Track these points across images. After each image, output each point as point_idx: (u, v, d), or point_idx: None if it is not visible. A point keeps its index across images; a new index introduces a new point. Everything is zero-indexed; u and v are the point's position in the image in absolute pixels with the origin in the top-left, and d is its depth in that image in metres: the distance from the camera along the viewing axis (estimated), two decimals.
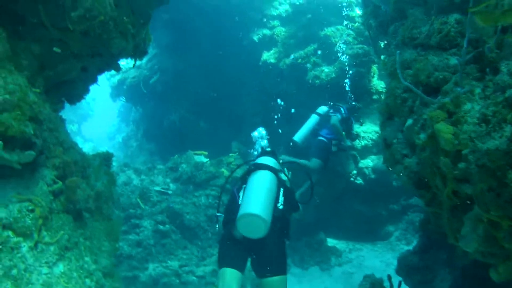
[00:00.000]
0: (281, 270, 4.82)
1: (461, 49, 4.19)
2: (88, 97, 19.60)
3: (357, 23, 10.96)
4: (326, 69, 10.54)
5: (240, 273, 4.84)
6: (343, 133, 9.31)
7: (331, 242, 10.90)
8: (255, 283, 8.12)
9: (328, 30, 10.80)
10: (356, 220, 11.17)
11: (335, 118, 9.29)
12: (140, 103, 15.03)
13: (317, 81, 10.43)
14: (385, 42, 5.79)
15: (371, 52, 10.18)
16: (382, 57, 5.28)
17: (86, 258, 4.09)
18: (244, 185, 5.23)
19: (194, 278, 8.26)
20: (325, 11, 11.02)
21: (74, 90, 4.73)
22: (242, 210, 4.71)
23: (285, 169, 5.89)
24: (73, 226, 4.03)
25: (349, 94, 10.02)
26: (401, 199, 11.20)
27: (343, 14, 11.01)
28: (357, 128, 10.66)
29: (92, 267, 4.09)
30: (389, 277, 5.37)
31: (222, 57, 12.28)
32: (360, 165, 10.93)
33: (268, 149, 6.09)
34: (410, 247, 10.26)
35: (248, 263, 5.07)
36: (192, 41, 12.66)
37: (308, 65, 10.65)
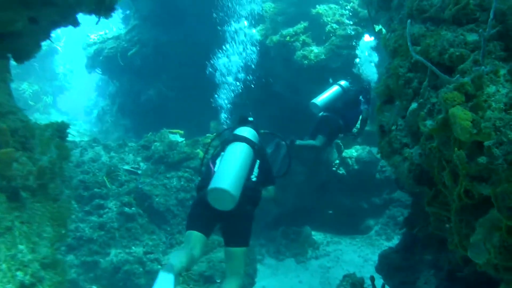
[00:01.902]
0: (243, 242, 4.99)
1: (480, 25, 3.58)
2: (65, 68, 18.96)
3: (351, 3, 10.30)
4: (315, 49, 9.89)
5: (206, 237, 4.97)
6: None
7: (308, 232, 10.50)
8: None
9: (321, 8, 10.12)
10: (336, 212, 10.99)
11: (366, 111, 8.64)
12: (117, 77, 14.30)
13: (305, 62, 9.80)
14: (387, 17, 5.13)
15: (365, 34, 9.61)
16: (383, 32, 4.64)
17: (21, 247, 3.39)
18: (222, 153, 5.30)
19: (160, 267, 7.60)
20: None
21: (22, 46, 3.98)
22: (213, 183, 4.77)
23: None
24: (5, 208, 3.34)
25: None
26: (384, 192, 11.03)
27: None
28: None
29: (27, 257, 3.40)
30: (372, 279, 5.19)
31: (206, 31, 11.51)
32: (344, 154, 10.76)
33: (250, 119, 6.09)
34: (390, 243, 10.48)
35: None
36: (176, 13, 12.03)
37: (297, 43, 9.96)
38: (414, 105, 3.70)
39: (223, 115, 9.32)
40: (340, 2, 10.38)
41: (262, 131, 6.10)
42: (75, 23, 4.12)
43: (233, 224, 5.03)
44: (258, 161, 5.38)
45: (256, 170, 5.30)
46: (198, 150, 9.27)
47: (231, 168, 4.89)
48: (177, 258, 4.57)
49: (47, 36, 4.01)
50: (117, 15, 15.87)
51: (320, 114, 8.67)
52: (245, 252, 5.03)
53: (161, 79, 12.84)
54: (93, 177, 8.47)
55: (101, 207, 8.19)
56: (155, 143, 9.47)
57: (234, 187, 4.70)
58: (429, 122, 3.38)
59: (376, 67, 9.09)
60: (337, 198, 10.95)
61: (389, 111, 4.24)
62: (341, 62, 9.84)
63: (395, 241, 10.20)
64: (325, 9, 10.10)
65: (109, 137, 14.82)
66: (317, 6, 10.13)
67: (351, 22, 10.07)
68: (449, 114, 2.92)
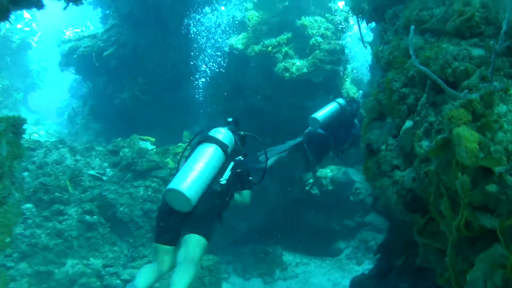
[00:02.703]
0: (202, 231, 4.73)
1: (485, 39, 3.26)
2: (39, 65, 18.33)
3: (337, 16, 10.01)
4: (298, 62, 9.53)
5: (174, 247, 4.80)
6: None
7: (278, 252, 10.31)
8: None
9: (306, 20, 9.76)
10: (307, 232, 10.77)
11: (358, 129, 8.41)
12: (91, 77, 13.74)
13: (287, 74, 9.43)
14: (380, 29, 4.79)
15: (349, 50, 9.33)
16: (379, 49, 4.30)
17: None
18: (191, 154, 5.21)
19: (119, 281, 7.15)
20: None
21: None
22: (170, 184, 4.71)
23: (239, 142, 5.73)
24: None
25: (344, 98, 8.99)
26: (357, 215, 10.83)
27: (327, 5, 10.06)
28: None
29: None
30: None
31: (186, 36, 11.18)
32: (318, 174, 10.49)
33: (230, 119, 5.96)
34: (361, 268, 10.15)
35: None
36: (156, 15, 11.65)
37: (279, 55, 9.59)
38: (408, 123, 3.35)
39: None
40: (326, 15, 10.07)
41: (241, 133, 5.94)
42: (39, 5, 3.66)
43: (194, 215, 4.80)
44: (232, 163, 5.28)
45: (227, 173, 5.18)
46: (168, 160, 8.85)
47: (192, 170, 4.79)
48: (144, 277, 4.47)
49: (5, 16, 3.54)
50: (96, 14, 15.46)
51: (309, 129, 8.42)
52: (202, 242, 4.71)
53: (137, 82, 12.36)
54: (55, 181, 8.03)
55: (61, 213, 7.76)
56: (124, 149, 9.01)
57: (190, 189, 4.61)
58: (425, 143, 3.04)
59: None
60: (309, 218, 10.70)
61: (379, 129, 3.88)
62: (323, 77, 9.51)
63: (365, 265, 10.02)
64: (310, 21, 9.75)
65: (78, 140, 14.22)
66: (302, 17, 9.78)
67: (335, 37, 9.77)
68: (453, 134, 2.59)
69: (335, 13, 10.15)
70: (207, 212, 4.88)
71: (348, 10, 5.58)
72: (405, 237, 4.76)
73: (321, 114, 8.03)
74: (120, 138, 9.53)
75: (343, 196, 10.65)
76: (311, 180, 10.53)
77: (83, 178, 8.32)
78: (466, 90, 2.68)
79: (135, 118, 12.49)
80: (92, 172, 8.55)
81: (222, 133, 5.39)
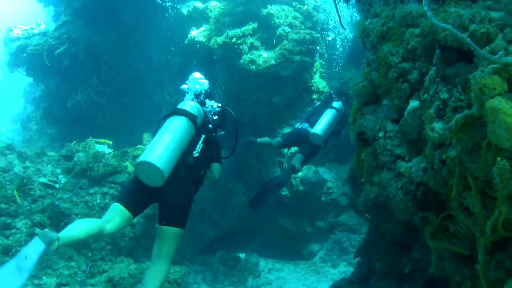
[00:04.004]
0: (178, 222, 4.57)
1: (501, 1, 2.72)
2: None
3: (306, 5, 9.46)
4: (264, 53, 8.94)
5: (130, 214, 4.52)
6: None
7: (253, 260, 10.01)
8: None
9: (272, 8, 9.18)
10: (278, 236, 10.61)
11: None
12: (43, 78, 12.83)
13: (253, 67, 8.88)
14: (365, 4, 4.21)
15: (319, 40, 8.79)
16: (366, 23, 3.71)
17: None
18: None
19: None
20: None
21: None
22: (140, 157, 4.50)
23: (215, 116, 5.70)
24: None
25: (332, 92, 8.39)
26: (329, 216, 10.67)
27: None
28: (287, 129, 9.87)
29: None
30: None
31: (143, 32, 10.53)
32: None
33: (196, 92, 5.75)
34: (336, 271, 9.93)
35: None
36: (112, 9, 10.98)
37: (244, 46, 8.98)
38: (414, 103, 2.78)
39: None
40: (294, 3, 9.52)
41: (208, 105, 5.76)
42: None
43: (169, 203, 4.63)
44: (203, 135, 5.10)
45: (199, 145, 5.02)
46: (127, 163, 8.18)
47: (161, 142, 4.59)
48: (75, 227, 4.05)
49: None
50: (48, 12, 14.55)
51: (299, 126, 8.02)
52: (178, 234, 4.57)
53: (91, 83, 11.68)
54: (1, 190, 7.23)
55: (8, 227, 6.90)
56: (79, 154, 8.30)
57: (161, 161, 4.41)
58: (439, 125, 2.48)
59: None
60: (279, 220, 10.48)
61: (373, 114, 3.30)
62: (292, 69, 8.96)
63: (341, 268, 9.98)
64: (277, 10, 9.21)
65: (32, 147, 13.33)
66: (268, 6, 9.18)
67: (304, 27, 9.22)
68: (485, 108, 2.01)
69: (304, 1, 9.60)
70: (182, 194, 4.71)
71: None
72: (388, 239, 4.44)
73: (321, 127, 7.46)
74: (74, 141, 8.82)
75: (315, 196, 10.40)
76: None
77: (33, 187, 7.55)
78: (502, 52, 2.10)
79: (91, 121, 11.84)
80: (43, 179, 7.80)
81: (190, 105, 5.18)
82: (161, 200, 4.68)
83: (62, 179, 7.91)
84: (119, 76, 11.56)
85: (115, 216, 4.43)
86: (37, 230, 4.02)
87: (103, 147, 8.88)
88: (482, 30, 2.44)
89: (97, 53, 11.48)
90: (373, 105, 3.36)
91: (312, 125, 7.61)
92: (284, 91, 9.53)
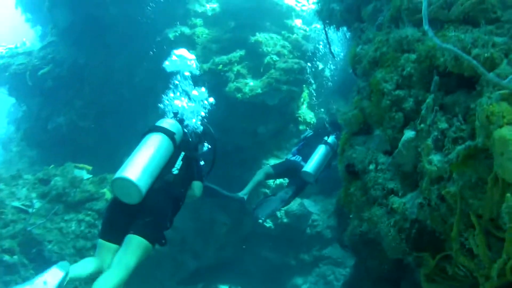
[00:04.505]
0: (147, 234, 4.37)
1: (503, 25, 2.57)
2: None
3: (295, 34, 9.35)
4: (251, 82, 8.76)
5: (117, 245, 4.39)
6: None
7: None
8: None
9: (261, 36, 9.06)
10: (262, 268, 10.25)
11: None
12: (25, 99, 12.60)
13: (239, 95, 8.71)
14: (355, 30, 4.04)
15: (308, 70, 8.63)
16: (357, 49, 3.54)
17: None
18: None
19: None
20: (260, 14, 9.29)
21: None
22: (116, 173, 4.41)
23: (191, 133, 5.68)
24: None
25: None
26: (314, 249, 10.32)
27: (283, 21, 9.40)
28: (272, 164, 9.23)
29: None
30: None
31: (129, 56, 10.46)
32: None
33: (176, 111, 5.76)
34: None
35: None
36: (97, 31, 10.75)
37: (230, 74, 8.81)
38: (409, 133, 2.56)
39: None
40: (283, 32, 9.42)
41: (186, 123, 5.73)
42: None
43: (143, 213, 4.47)
44: (182, 153, 5.03)
45: (179, 163, 4.94)
46: (105, 190, 7.94)
47: (138, 158, 4.52)
48: (82, 266, 4.19)
49: None
50: (36, 32, 14.38)
51: (291, 158, 7.88)
52: (144, 245, 4.33)
53: (74, 105, 11.40)
54: None
55: None
56: (56, 178, 8.06)
57: (138, 177, 4.32)
58: (437, 157, 2.26)
59: None
60: (263, 252, 10.19)
61: (363, 145, 3.08)
62: (279, 98, 8.78)
63: None
64: (265, 38, 9.09)
65: (11, 169, 12.97)
66: (256, 33, 9.06)
67: (292, 56, 9.09)
68: (493, 138, 1.80)
69: (293, 31, 9.50)
70: (158, 210, 4.60)
71: (315, 14, 4.94)
72: (375, 275, 4.28)
73: (313, 164, 7.32)
74: (52, 165, 8.58)
75: (299, 229, 10.13)
76: None
77: (4, 211, 7.33)
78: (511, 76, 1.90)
79: (72, 145, 11.50)
80: (16, 203, 7.57)
81: (168, 123, 5.16)
82: (137, 215, 4.52)
83: (36, 203, 7.66)
84: (104, 99, 11.28)
85: (105, 253, 4.38)
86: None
87: (82, 172, 8.63)
88: (486, 55, 2.25)
89: (81, 74, 11.26)
90: (363, 135, 3.15)
91: (304, 159, 7.48)
92: (270, 120, 9.34)
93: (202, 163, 5.61)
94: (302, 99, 9.74)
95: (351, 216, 3.20)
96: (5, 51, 12.24)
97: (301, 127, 9.83)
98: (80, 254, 7.28)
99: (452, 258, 2.30)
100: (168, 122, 5.17)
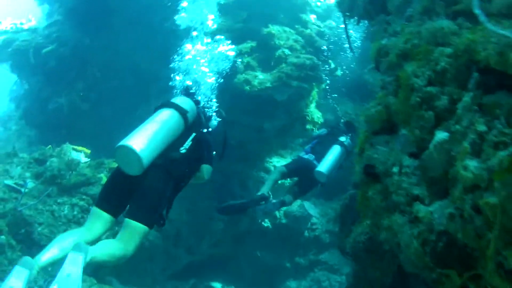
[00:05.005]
0: (144, 218, 4.31)
1: None
2: None
3: (309, 29, 9.10)
4: (260, 75, 8.51)
5: (110, 217, 4.37)
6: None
7: None
8: None
9: (274, 28, 8.80)
10: (255, 268, 10.16)
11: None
12: (27, 77, 12.44)
13: (247, 88, 8.47)
14: (379, 22, 3.78)
15: (320, 67, 8.37)
16: (383, 42, 3.29)
17: None
18: None
19: None
20: (274, 5, 9.03)
21: None
22: (121, 141, 4.26)
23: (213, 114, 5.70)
24: None
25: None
26: (310, 252, 10.25)
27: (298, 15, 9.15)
28: (276, 162, 9.72)
29: None
30: None
31: (134, 40, 10.29)
32: None
33: (192, 91, 5.71)
34: None
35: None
36: (103, 13, 10.57)
37: (240, 65, 8.52)
38: (441, 135, 2.28)
39: None
40: (296, 26, 9.16)
41: (202, 105, 5.70)
42: None
43: (142, 195, 4.41)
44: (194, 133, 4.96)
45: (188, 143, 4.86)
46: (102, 175, 7.69)
47: (145, 130, 4.41)
48: (53, 249, 3.86)
49: None
50: (43, 10, 14.18)
51: (304, 156, 7.72)
52: (142, 231, 4.29)
53: (76, 87, 11.23)
54: None
55: None
56: (52, 159, 7.79)
57: (141, 147, 4.21)
58: (473, 163, 1.99)
59: None
60: (258, 252, 10.12)
61: (386, 145, 2.80)
62: (288, 95, 8.55)
63: None
64: (278, 31, 8.84)
65: (8, 148, 12.81)
66: (269, 25, 8.80)
67: (305, 51, 8.84)
68: None
69: (307, 25, 9.25)
70: (156, 188, 4.47)
71: (335, 5, 4.71)
72: (376, 285, 4.00)
73: (327, 164, 7.22)
74: (50, 145, 8.35)
75: (297, 231, 10.06)
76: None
77: None
78: None
79: (71, 127, 11.31)
80: (9, 182, 7.28)
81: (183, 100, 5.05)
82: (135, 192, 4.45)
83: (30, 183, 7.39)
84: (105, 84, 11.13)
85: (95, 221, 4.30)
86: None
87: (80, 155, 8.37)
88: None
89: (85, 56, 11.10)
90: (386, 134, 2.87)
91: (318, 158, 7.37)
92: (277, 117, 9.13)
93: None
94: (311, 98, 9.50)
95: (368, 222, 2.92)
96: (9, 26, 12.04)
97: (308, 127, 9.62)
98: None
99: (482, 279, 2.04)
100: (182, 99, 5.08)
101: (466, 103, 2.20)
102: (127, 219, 4.29)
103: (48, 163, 7.72)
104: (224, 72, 7.35)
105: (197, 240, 9.56)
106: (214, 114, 5.89)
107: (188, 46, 7.68)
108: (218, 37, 8.40)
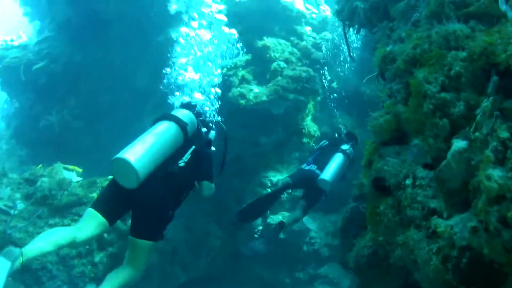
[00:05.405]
0: (148, 235, 4.43)
1: None
2: None
3: (304, 41, 9.01)
4: (256, 88, 8.40)
5: (104, 220, 4.33)
6: None
7: None
8: None
9: (268, 41, 8.71)
10: (253, 285, 9.97)
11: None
12: (17, 94, 12.19)
13: (242, 102, 8.34)
14: (383, 28, 3.66)
15: (316, 79, 8.27)
16: (387, 49, 3.16)
17: None
18: None
19: None
20: (269, 18, 8.95)
21: None
22: (118, 154, 4.32)
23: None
24: None
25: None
26: (310, 267, 10.02)
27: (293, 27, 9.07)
28: (272, 177, 9.59)
29: None
30: None
31: (130, 54, 10.20)
32: (269, 220, 9.69)
33: (193, 103, 5.77)
34: None
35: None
36: (97, 26, 10.42)
37: (234, 79, 8.44)
38: (460, 143, 2.14)
39: None
40: (291, 38, 9.07)
41: (202, 118, 5.74)
42: None
43: (143, 211, 4.48)
44: (193, 146, 4.96)
45: (187, 156, 4.85)
46: (94, 194, 7.43)
47: (142, 143, 4.43)
48: (43, 239, 3.95)
49: None
50: (34, 27, 14.08)
51: (306, 167, 7.74)
52: (148, 246, 4.45)
53: (68, 104, 11.03)
54: None
55: None
56: (43, 178, 7.55)
57: (137, 159, 4.21)
58: (497, 172, 1.84)
59: None
60: (256, 269, 9.90)
61: (397, 157, 2.66)
62: (285, 108, 8.44)
63: None
64: (273, 43, 8.76)
65: None
66: (264, 38, 8.71)
67: (301, 64, 8.76)
68: None
69: (302, 37, 9.17)
70: (157, 205, 4.52)
71: (334, 14, 4.62)
72: None
73: (330, 172, 7.22)
74: (41, 165, 8.11)
75: (296, 246, 9.89)
76: (260, 227, 9.68)
77: None
78: None
79: (63, 146, 11.07)
80: None
81: (182, 113, 5.06)
82: (134, 207, 4.51)
83: (20, 204, 7.10)
84: (99, 99, 10.95)
85: (89, 222, 4.27)
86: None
87: (71, 174, 8.18)
88: None
89: (77, 72, 10.88)
90: (396, 145, 2.73)
91: (320, 167, 7.33)
92: (274, 131, 9.01)
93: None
94: (307, 111, 9.39)
95: (380, 239, 2.75)
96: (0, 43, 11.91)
97: (304, 140, 9.51)
98: (63, 262, 6.81)
99: None
100: (182, 112, 5.07)
101: (486, 108, 2.05)
102: (131, 238, 4.38)
103: (38, 183, 7.47)
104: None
105: (194, 258, 9.37)
106: (213, 126, 5.87)
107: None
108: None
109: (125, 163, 4.17)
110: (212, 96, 7.12)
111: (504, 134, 1.93)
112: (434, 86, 2.38)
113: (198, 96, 6.13)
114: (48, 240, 3.90)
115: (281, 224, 7.47)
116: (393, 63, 2.93)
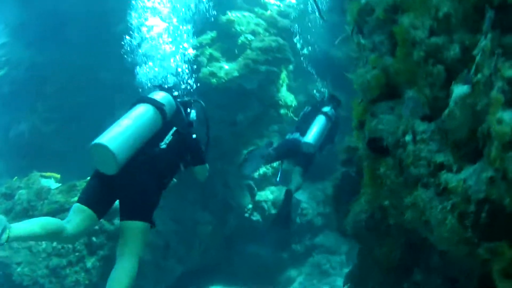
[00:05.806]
0: (139, 215, 4.32)
1: None
2: None
3: (269, 11, 8.81)
4: (226, 65, 8.20)
5: (92, 213, 4.25)
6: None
7: None
8: None
9: (233, 15, 8.50)
10: (252, 265, 9.85)
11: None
12: None
13: (213, 81, 8.19)
14: None
15: (287, 47, 8.08)
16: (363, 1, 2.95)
17: None
18: None
19: None
20: None
21: None
22: (94, 140, 4.22)
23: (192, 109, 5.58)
24: None
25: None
26: (305, 238, 10.14)
27: None
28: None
29: None
30: None
31: (92, 50, 9.89)
32: (258, 197, 9.79)
33: (168, 86, 5.56)
34: None
35: None
36: (54, 24, 10.14)
37: (203, 58, 8.24)
38: (461, 89, 1.96)
39: None
40: (256, 9, 8.86)
41: (179, 99, 5.47)
42: None
43: (128, 196, 4.38)
44: (174, 128, 4.86)
45: (168, 137, 4.76)
46: (75, 198, 7.19)
47: (118, 126, 4.34)
48: (31, 222, 3.83)
49: None
50: None
51: (289, 136, 7.75)
52: (142, 228, 4.30)
53: (37, 110, 10.82)
54: None
55: None
56: (20, 191, 7.44)
57: (114, 144, 4.14)
58: (508, 114, 1.66)
59: None
60: (251, 248, 9.85)
61: (391, 113, 2.47)
62: (258, 81, 8.27)
63: None
64: (237, 16, 8.54)
65: None
66: (227, 12, 8.49)
67: (269, 34, 8.56)
68: None
69: (266, 7, 8.98)
70: (141, 183, 4.42)
71: None
72: (385, 264, 3.83)
73: (312, 135, 7.21)
74: (16, 177, 8.02)
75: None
76: (250, 206, 9.65)
77: None
78: None
79: (38, 153, 10.84)
80: None
81: (159, 94, 4.93)
82: (119, 193, 4.43)
83: None
84: (69, 101, 10.68)
85: (76, 215, 4.18)
86: None
87: (49, 182, 8.05)
88: None
89: (41, 75, 10.65)
90: (388, 101, 2.54)
91: (303, 133, 7.26)
92: (250, 107, 8.89)
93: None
94: (281, 81, 9.25)
95: (386, 203, 2.57)
96: None
97: (282, 111, 9.39)
98: (55, 273, 6.66)
99: None
100: (159, 94, 4.94)
101: (486, 47, 1.86)
102: (122, 223, 4.28)
103: (16, 197, 7.35)
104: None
105: (187, 249, 9.27)
106: (191, 105, 5.70)
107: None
108: None
109: (102, 147, 4.09)
110: (186, 71, 6.94)
111: (510, 73, 1.75)
112: (423, 32, 2.20)
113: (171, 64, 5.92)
114: (36, 222, 3.81)
115: (288, 193, 7.33)
116: (372, 14, 2.73)
